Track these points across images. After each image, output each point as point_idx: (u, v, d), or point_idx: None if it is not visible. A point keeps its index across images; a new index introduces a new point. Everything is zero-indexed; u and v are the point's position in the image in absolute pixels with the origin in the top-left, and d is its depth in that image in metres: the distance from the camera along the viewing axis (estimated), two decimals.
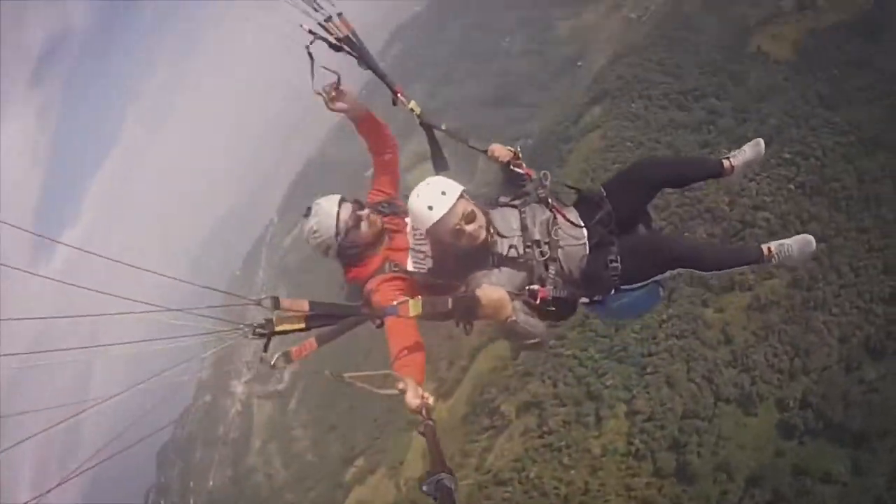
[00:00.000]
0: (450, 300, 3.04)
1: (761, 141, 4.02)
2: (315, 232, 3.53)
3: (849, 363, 40.41)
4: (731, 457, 38.20)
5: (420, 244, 3.51)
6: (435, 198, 3.21)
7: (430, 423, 2.66)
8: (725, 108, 60.07)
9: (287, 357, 2.84)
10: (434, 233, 3.28)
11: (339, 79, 3.63)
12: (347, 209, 3.51)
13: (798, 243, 3.62)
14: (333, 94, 3.64)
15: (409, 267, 3.49)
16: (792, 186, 49.46)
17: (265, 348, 2.85)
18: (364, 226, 3.55)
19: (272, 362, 2.83)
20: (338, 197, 3.59)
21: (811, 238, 3.65)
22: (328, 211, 3.50)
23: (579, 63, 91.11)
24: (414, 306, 3.02)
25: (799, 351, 41.18)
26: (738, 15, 66.11)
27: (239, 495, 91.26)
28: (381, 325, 3.41)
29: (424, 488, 2.22)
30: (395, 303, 3.14)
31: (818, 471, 37.54)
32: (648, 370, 42.76)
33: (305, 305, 3.05)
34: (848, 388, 39.31)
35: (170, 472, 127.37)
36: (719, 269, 3.61)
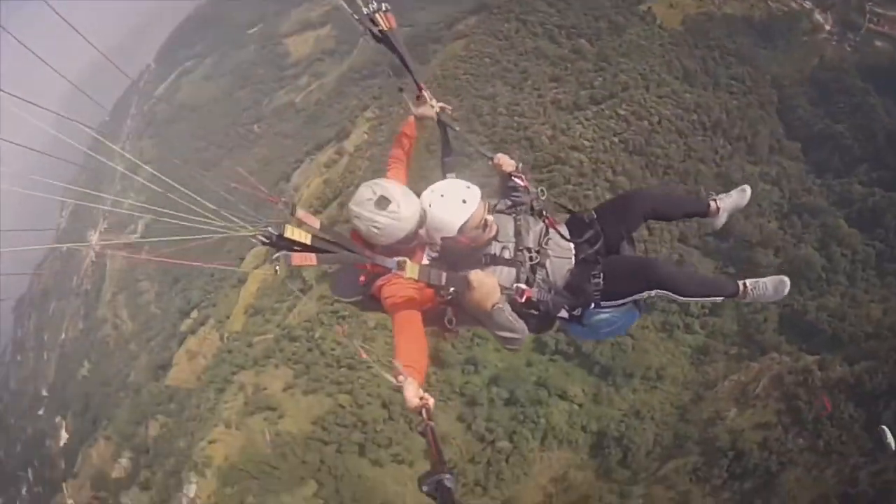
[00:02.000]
0: (444, 275, 3.50)
1: (748, 188, 4.68)
2: (378, 229, 3.70)
3: None
4: (483, 356, 48.83)
5: (434, 246, 4.00)
6: (465, 193, 3.84)
7: (431, 423, 2.86)
8: (591, 52, 66.94)
9: (287, 259, 3.00)
10: (463, 228, 3.81)
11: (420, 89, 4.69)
12: (417, 224, 3.80)
13: (773, 283, 4.14)
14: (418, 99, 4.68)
15: (425, 259, 3.95)
16: (616, 139, 57.28)
17: (276, 250, 3.03)
18: (415, 242, 3.91)
19: (273, 257, 2.99)
20: (419, 204, 3.83)
21: (787, 279, 4.15)
22: (405, 223, 3.73)
23: None
24: (411, 269, 3.40)
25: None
26: None
27: (89, 347, 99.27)
28: (368, 284, 3.96)
29: (425, 488, 2.43)
30: (396, 259, 3.44)
31: (557, 388, 48.31)
32: None
33: (317, 224, 3.25)
34: None
35: (26, 325, 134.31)
36: (695, 297, 4.03)
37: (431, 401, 3.03)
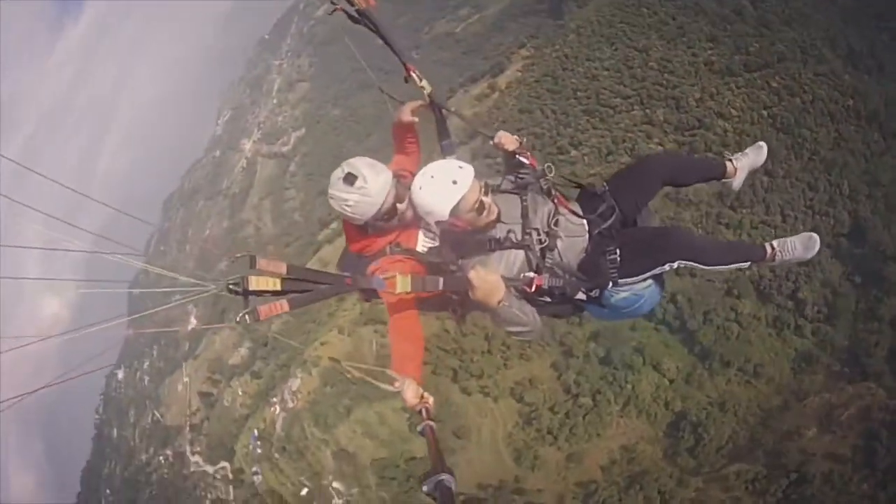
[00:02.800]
0: (441, 280, 3.31)
1: (764, 145, 4.57)
2: (349, 206, 3.69)
3: (730, 287, 50.77)
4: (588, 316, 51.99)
5: (430, 227, 3.89)
6: (456, 173, 3.58)
7: (431, 423, 2.88)
8: (752, 15, 64.74)
9: (254, 315, 2.90)
10: (455, 210, 3.57)
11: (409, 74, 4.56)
12: (392, 194, 3.72)
13: (802, 241, 4.01)
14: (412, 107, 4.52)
15: (419, 247, 3.86)
16: (765, 113, 56.10)
17: (245, 303, 2.96)
18: (396, 219, 3.84)
19: (237, 319, 2.91)
20: (389, 176, 3.76)
21: (816, 236, 4.01)
22: (375, 198, 3.68)
23: None
24: (402, 282, 3.20)
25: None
26: None
27: (230, 244, 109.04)
28: (367, 300, 4.02)
29: (425, 488, 2.43)
30: (382, 276, 3.35)
31: (653, 358, 49.47)
32: None
33: (283, 268, 3.12)
34: (715, 307, 50.17)
35: (173, 218, 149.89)
36: (721, 265, 3.85)
37: (431, 400, 3.11)
